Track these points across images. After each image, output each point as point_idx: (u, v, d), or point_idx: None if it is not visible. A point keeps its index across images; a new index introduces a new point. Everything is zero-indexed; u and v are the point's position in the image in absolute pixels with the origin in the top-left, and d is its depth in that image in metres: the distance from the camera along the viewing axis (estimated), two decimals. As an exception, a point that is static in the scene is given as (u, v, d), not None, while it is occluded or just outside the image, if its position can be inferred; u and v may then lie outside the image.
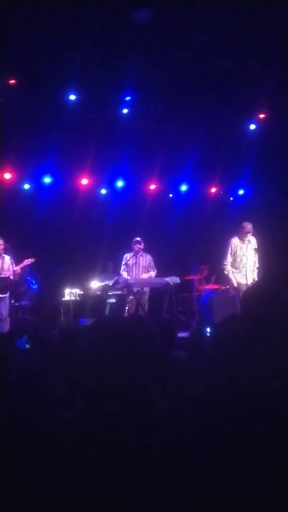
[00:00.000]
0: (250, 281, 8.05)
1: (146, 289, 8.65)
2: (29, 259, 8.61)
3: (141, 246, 8.65)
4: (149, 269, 8.71)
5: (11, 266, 8.20)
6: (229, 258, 8.22)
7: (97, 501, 1.33)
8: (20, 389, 1.95)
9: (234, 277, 8.23)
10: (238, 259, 8.19)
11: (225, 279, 8.81)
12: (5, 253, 8.29)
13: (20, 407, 1.84)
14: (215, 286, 9.94)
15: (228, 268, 8.23)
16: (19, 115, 8.62)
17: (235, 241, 8.23)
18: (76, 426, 1.45)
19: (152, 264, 8.77)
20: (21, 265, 8.41)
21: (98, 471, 1.36)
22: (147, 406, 1.47)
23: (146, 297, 8.64)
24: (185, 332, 6.03)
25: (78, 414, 1.48)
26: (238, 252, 8.21)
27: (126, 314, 8.13)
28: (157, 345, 2.43)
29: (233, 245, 8.23)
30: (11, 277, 8.15)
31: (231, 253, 8.22)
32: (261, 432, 1.63)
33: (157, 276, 8.72)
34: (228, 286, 9.08)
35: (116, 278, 8.56)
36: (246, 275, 8.07)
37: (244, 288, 8.00)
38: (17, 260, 8.37)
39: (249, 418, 1.62)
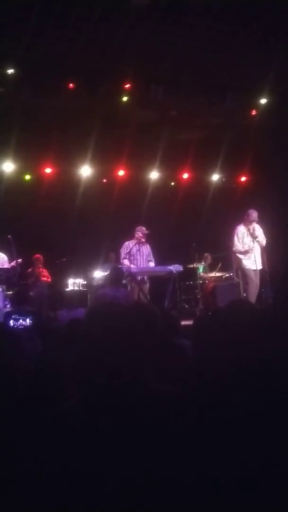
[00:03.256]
0: (259, 267, 8.08)
1: (148, 278, 8.64)
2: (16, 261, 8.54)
3: (144, 235, 8.65)
4: (149, 259, 8.70)
5: (6, 263, 8.16)
6: (238, 246, 8.22)
7: (97, 487, 1.32)
8: (21, 378, 1.95)
9: (242, 263, 8.26)
10: (246, 246, 8.20)
11: (231, 263, 8.82)
12: (3, 251, 8.26)
13: (20, 394, 1.84)
14: (219, 274, 9.90)
15: (240, 250, 8.23)
16: (19, 105, 8.56)
17: (241, 228, 8.26)
18: (75, 416, 1.44)
19: (151, 253, 8.77)
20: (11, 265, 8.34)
21: (98, 460, 1.36)
22: (147, 393, 1.46)
23: (147, 285, 8.63)
24: (189, 320, 6.02)
25: (77, 404, 1.47)
26: (245, 239, 8.23)
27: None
28: (158, 331, 2.42)
29: (239, 233, 8.25)
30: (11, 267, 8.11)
31: (239, 241, 8.24)
32: (266, 416, 1.62)
33: (160, 264, 8.71)
34: (231, 274, 9.09)
35: (119, 267, 8.53)
36: (255, 261, 8.10)
37: (252, 273, 8.02)
38: (20, 252, 8.32)
39: (253, 401, 1.61)
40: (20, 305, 5.83)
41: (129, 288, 8.42)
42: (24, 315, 5.11)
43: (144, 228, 8.68)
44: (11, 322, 5.03)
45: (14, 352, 2.38)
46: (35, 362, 2.67)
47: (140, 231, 8.61)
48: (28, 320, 4.98)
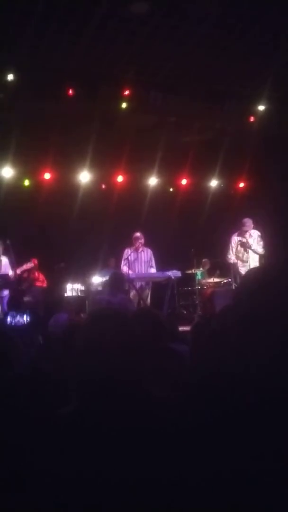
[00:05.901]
0: None
1: (148, 285, 8.63)
2: (29, 264, 8.51)
3: (142, 241, 8.64)
4: (150, 265, 8.69)
5: (8, 268, 8.14)
6: (231, 255, 8.34)
7: (95, 493, 1.33)
8: (19, 383, 1.96)
9: (239, 270, 8.31)
10: (240, 254, 8.28)
11: (228, 271, 8.87)
12: (3, 254, 8.23)
13: (19, 400, 1.84)
14: (217, 280, 9.91)
15: (233, 259, 8.34)
16: (18, 110, 8.59)
17: (234, 238, 8.34)
18: (73, 422, 1.44)
19: (153, 259, 8.76)
20: (22, 269, 8.30)
21: (97, 465, 1.36)
22: (146, 399, 1.46)
23: (148, 292, 8.62)
24: (187, 326, 6.01)
25: (75, 410, 1.47)
26: (239, 248, 8.30)
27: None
28: (164, 336, 2.43)
29: (233, 243, 8.35)
30: (10, 273, 8.08)
31: (232, 250, 8.33)
32: (263, 424, 1.61)
33: (158, 270, 8.70)
34: (230, 279, 9.10)
35: (119, 272, 8.53)
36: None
37: None
38: (19, 258, 8.30)
39: (251, 405, 1.61)
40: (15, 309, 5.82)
41: (131, 295, 8.40)
42: (22, 312, 5.08)
43: (138, 234, 8.68)
44: (8, 319, 4.99)
45: (10, 355, 2.39)
46: (33, 366, 2.67)
47: (134, 237, 8.65)
48: (25, 316, 4.95)
